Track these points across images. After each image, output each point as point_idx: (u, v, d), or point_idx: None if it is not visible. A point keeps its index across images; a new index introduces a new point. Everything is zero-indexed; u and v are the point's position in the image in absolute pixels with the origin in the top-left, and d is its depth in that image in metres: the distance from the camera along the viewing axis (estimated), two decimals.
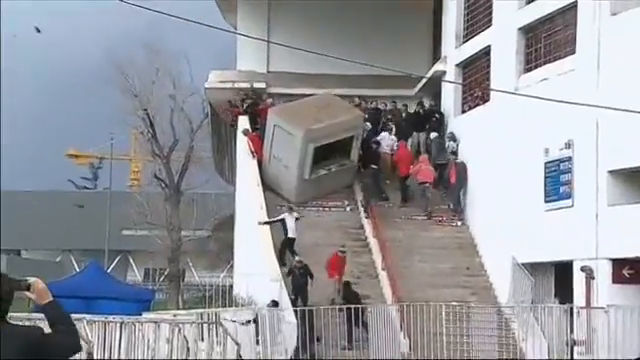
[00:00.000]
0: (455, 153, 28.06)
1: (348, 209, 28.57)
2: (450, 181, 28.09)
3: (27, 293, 4.90)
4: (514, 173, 24.20)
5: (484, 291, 24.95)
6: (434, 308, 20.50)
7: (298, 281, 23.10)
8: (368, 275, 25.75)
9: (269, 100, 31.71)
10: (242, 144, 30.09)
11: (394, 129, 29.91)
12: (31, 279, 4.96)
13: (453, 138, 28.83)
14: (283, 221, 25.15)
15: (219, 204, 48.91)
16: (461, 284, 25.24)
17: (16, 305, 4.94)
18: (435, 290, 23.95)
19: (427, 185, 28.09)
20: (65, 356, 4.88)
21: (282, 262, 24.69)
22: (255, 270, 25.26)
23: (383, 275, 25.21)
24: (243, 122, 30.74)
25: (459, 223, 28.01)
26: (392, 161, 29.36)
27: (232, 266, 35.60)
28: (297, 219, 25.13)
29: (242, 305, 24.14)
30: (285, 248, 25.26)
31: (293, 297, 22.35)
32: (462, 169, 27.80)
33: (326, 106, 27.91)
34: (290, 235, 25.08)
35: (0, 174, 57.49)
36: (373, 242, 26.58)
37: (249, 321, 19.52)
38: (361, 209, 27.97)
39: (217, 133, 38.47)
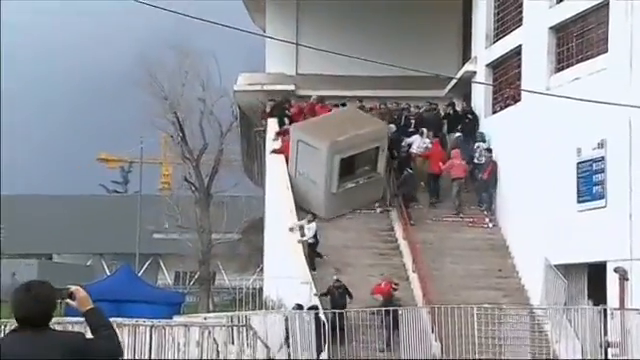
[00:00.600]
0: (490, 151, 27.94)
1: (378, 211, 28.53)
2: (484, 178, 27.96)
3: (69, 300, 5.10)
4: (546, 173, 24.06)
5: (516, 293, 24.82)
6: (465, 310, 20.44)
7: (337, 302, 22.75)
8: (399, 277, 25.64)
9: (313, 97, 31.38)
10: (271, 147, 30.13)
11: (425, 132, 29.73)
12: (72, 287, 5.16)
13: (483, 139, 28.72)
14: (302, 227, 25.09)
15: (249, 207, 49.03)
16: (493, 286, 25.13)
17: None
18: (467, 292, 23.85)
19: (461, 181, 28.03)
20: None
21: (312, 267, 24.65)
22: (285, 273, 25.29)
23: (414, 277, 25.15)
24: (271, 125, 30.76)
25: (490, 224, 27.88)
26: (422, 161, 29.23)
27: (262, 269, 35.64)
28: (312, 220, 24.79)
29: (272, 308, 24.18)
30: (313, 254, 25.22)
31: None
32: (495, 169, 27.73)
33: (350, 119, 27.80)
34: (310, 241, 24.79)
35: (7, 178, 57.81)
36: (403, 244, 26.53)
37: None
38: (393, 212, 27.86)
39: (246, 136, 38.58)
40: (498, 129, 28.05)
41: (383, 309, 21.04)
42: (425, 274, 24.81)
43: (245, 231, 50.65)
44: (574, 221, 22.94)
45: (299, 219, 26.47)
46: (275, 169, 29.49)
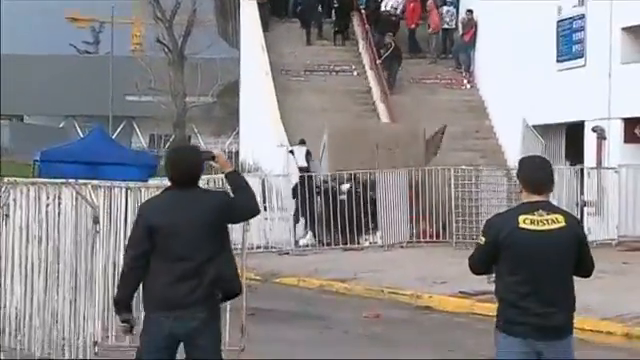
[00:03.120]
0: (471, 12, 27.71)
1: (355, 73, 28.44)
2: (464, 40, 27.86)
3: (212, 162, 5.80)
4: (526, 33, 23.91)
5: (494, 154, 25.05)
6: (442, 172, 20.64)
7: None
8: None
9: None
10: (247, 7, 29.74)
11: None
12: (215, 151, 5.92)
13: (453, 3, 28.71)
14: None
15: (224, 69, 48.66)
16: (470, 147, 25.35)
17: None
18: (444, 154, 24.04)
19: (438, 34, 28.41)
20: (246, 217, 5.99)
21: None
22: (261, 136, 25.38)
23: None
24: None
25: (469, 86, 27.91)
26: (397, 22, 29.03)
27: (238, 132, 35.73)
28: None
29: (249, 171, 24.37)
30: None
31: None
32: (475, 30, 27.62)
33: None
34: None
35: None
36: (381, 108, 26.55)
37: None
38: (369, 71, 27.78)
39: None
40: None
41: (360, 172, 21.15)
42: None
43: (220, 94, 50.51)
44: (553, 81, 22.98)
45: (275, 72, 26.38)
46: (250, 30, 29.19)
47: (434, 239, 20.63)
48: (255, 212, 5.79)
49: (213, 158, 5.79)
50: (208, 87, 50.30)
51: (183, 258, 5.45)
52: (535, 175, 5.32)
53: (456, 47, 28.61)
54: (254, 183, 20.49)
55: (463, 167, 20.85)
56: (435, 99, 27.18)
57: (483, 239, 5.30)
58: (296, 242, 20.82)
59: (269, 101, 26.01)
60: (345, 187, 20.85)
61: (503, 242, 5.19)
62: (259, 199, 20.41)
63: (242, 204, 5.67)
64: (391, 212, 20.67)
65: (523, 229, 5.18)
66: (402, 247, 20.30)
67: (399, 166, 20.83)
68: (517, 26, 24.36)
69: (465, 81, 28.08)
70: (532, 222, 5.20)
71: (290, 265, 18.46)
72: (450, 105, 26.85)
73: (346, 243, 20.45)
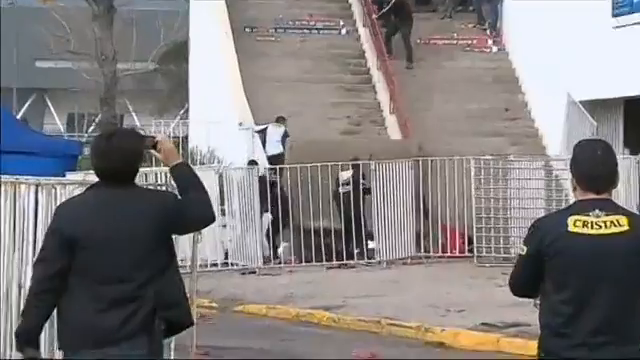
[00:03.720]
0: None
1: (344, 31, 28.47)
2: None
3: (153, 152, 5.72)
4: None
5: (528, 140, 25.17)
6: (460, 163, 20.70)
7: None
8: (371, 122, 25.91)
9: None
10: None
11: None
12: (159, 136, 5.82)
13: None
14: (264, 132, 24.16)
15: (168, 26, 48.57)
16: (497, 131, 25.50)
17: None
18: (462, 139, 24.12)
19: None
20: (198, 226, 5.90)
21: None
22: (219, 116, 25.40)
23: (392, 121, 25.42)
24: None
25: (495, 48, 28.05)
26: None
27: (187, 111, 35.70)
28: (286, 135, 23.55)
29: (201, 163, 24.37)
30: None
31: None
32: None
33: None
34: (271, 152, 23.62)
35: None
36: (378, 76, 26.62)
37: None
38: (361, 29, 27.83)
39: None
40: None
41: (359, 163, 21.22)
42: (407, 116, 25.00)
43: (163, 59, 50.37)
44: (608, 42, 23.10)
45: (238, 31, 26.47)
46: None
47: (449, 253, 20.72)
48: (210, 219, 5.77)
49: (154, 146, 5.74)
50: (147, 50, 50.14)
51: (113, 279, 5.45)
52: (592, 168, 5.35)
53: None
54: (208, 178, 20.54)
55: (487, 157, 20.96)
56: (450, 66, 27.30)
57: (525, 248, 5.31)
58: (266, 257, 20.87)
59: (229, 69, 26.03)
60: (346, 175, 20.89)
61: (548, 250, 5.21)
62: (215, 200, 20.49)
63: (193, 208, 5.65)
64: (392, 216, 20.74)
65: (573, 233, 5.20)
66: (406, 263, 20.40)
67: None
68: None
69: (490, 42, 28.24)
70: (585, 224, 5.22)
71: (257, 288, 18.49)
72: (470, 74, 26.97)
73: (331, 258, 20.50)
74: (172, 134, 32.09)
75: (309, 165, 21.03)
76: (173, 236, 5.72)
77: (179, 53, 42.13)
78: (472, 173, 20.47)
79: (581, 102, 23.33)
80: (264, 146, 23.93)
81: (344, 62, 27.59)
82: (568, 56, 24.09)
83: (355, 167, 21.09)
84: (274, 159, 22.98)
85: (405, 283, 18.26)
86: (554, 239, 5.21)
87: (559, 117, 23.57)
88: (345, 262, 20.57)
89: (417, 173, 21.10)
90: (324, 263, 20.47)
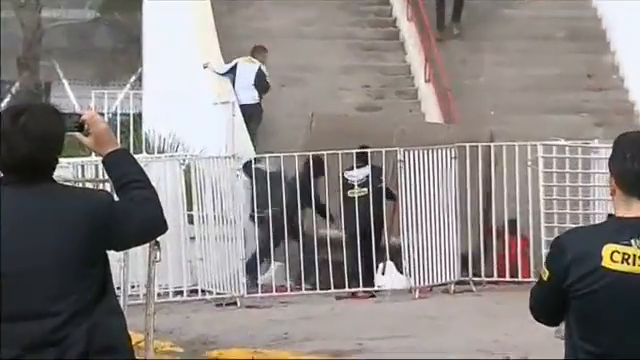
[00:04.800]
0: None
1: None
2: None
3: (78, 135, 5.67)
4: None
5: (620, 118, 25.15)
6: (523, 150, 20.71)
7: None
8: (399, 93, 25.98)
9: None
10: None
11: None
12: (86, 113, 5.76)
13: None
14: (233, 71, 24.20)
15: None
16: (576, 106, 25.68)
17: None
18: (527, 118, 24.18)
19: None
20: (142, 238, 5.85)
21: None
22: (185, 86, 25.43)
23: (428, 92, 25.58)
24: None
25: None
26: None
27: (140, 78, 35.74)
28: (262, 75, 24.07)
29: (160, 151, 24.36)
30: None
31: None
32: None
33: None
34: (244, 100, 23.94)
35: None
36: (408, 29, 26.66)
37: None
38: None
39: None
40: None
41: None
42: (449, 86, 25.10)
43: (106, 5, 50.47)
44: None
45: None
46: None
47: (507, 277, 20.73)
48: (159, 227, 5.73)
49: (80, 127, 5.68)
50: None
51: (29, 315, 5.43)
52: (635, 163, 5.34)
53: None
54: (171, 172, 20.52)
55: (562, 142, 20.95)
56: (508, 15, 27.35)
57: (547, 272, 5.41)
58: (252, 282, 20.92)
59: (199, 18, 26.02)
60: (361, 174, 20.93)
61: (576, 285, 5.30)
62: (180, 203, 20.38)
63: (134, 212, 5.61)
64: (428, 226, 20.77)
65: (610, 270, 5.24)
66: (448, 292, 20.41)
67: None
68: None
69: None
70: (625, 259, 5.25)
71: (239, 326, 18.51)
72: (539, 27, 27.02)
73: (343, 285, 20.53)
74: (118, 111, 32.04)
75: (310, 153, 21.03)
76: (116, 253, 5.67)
77: None
78: (540, 165, 20.44)
79: None
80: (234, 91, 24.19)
81: (360, 10, 27.64)
82: None
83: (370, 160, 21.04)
84: (248, 111, 23.09)
85: (445, 319, 18.28)
86: (584, 274, 5.28)
87: None
88: (362, 289, 20.57)
89: (462, 164, 21.10)
90: (332, 291, 20.48)
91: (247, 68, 23.54)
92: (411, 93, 25.86)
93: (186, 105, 24.97)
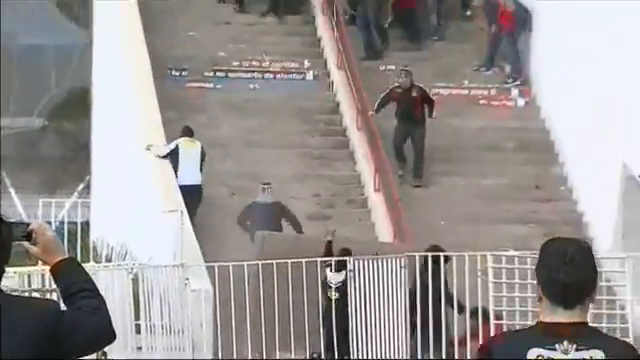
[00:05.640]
0: None
1: (310, 76, 28.55)
2: (501, 30, 28.38)
3: (26, 244, 5.57)
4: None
5: (568, 229, 25.08)
6: (472, 260, 20.68)
7: None
8: (349, 202, 25.96)
9: None
10: None
11: None
12: (34, 222, 5.66)
13: None
14: (175, 152, 24.21)
15: (62, 66, 48.70)
16: (525, 216, 25.64)
17: None
18: (476, 228, 24.16)
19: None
20: (88, 352, 5.64)
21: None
22: (132, 195, 25.34)
23: (377, 201, 25.55)
24: None
25: (522, 101, 28.21)
26: None
27: (88, 186, 35.65)
28: (204, 155, 24.35)
29: (108, 260, 24.23)
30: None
31: None
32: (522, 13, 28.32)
33: None
34: (187, 180, 24.20)
35: None
36: (358, 138, 26.71)
37: None
38: (335, 73, 27.98)
39: None
40: None
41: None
42: (398, 195, 25.09)
43: (54, 113, 50.47)
44: None
45: (160, 68, 26.59)
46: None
47: None
48: (107, 337, 5.64)
49: (28, 236, 5.61)
50: (33, 100, 50.27)
51: None
52: (560, 273, 5.45)
53: (491, 39, 29.11)
54: (119, 282, 20.36)
55: (511, 253, 20.93)
56: (458, 126, 27.40)
57: None
58: None
59: (148, 125, 25.97)
60: (337, 278, 20.91)
61: None
62: (128, 312, 20.22)
63: (82, 323, 5.53)
64: (377, 337, 20.70)
65: None
66: None
67: None
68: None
69: (514, 93, 28.34)
70: None
71: None
72: (488, 137, 27.12)
73: None
74: (65, 219, 31.96)
75: (274, 261, 20.94)
76: None
77: (78, 105, 42.18)
78: (490, 275, 20.41)
79: None
80: (176, 173, 24.27)
81: (311, 119, 27.67)
82: (622, 114, 24.25)
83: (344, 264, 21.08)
84: (192, 192, 23.11)
85: None
86: None
87: (612, 197, 23.66)
88: None
89: (412, 274, 21.06)
90: None
91: (190, 150, 23.45)
92: (360, 202, 25.87)
93: (134, 213, 24.92)
